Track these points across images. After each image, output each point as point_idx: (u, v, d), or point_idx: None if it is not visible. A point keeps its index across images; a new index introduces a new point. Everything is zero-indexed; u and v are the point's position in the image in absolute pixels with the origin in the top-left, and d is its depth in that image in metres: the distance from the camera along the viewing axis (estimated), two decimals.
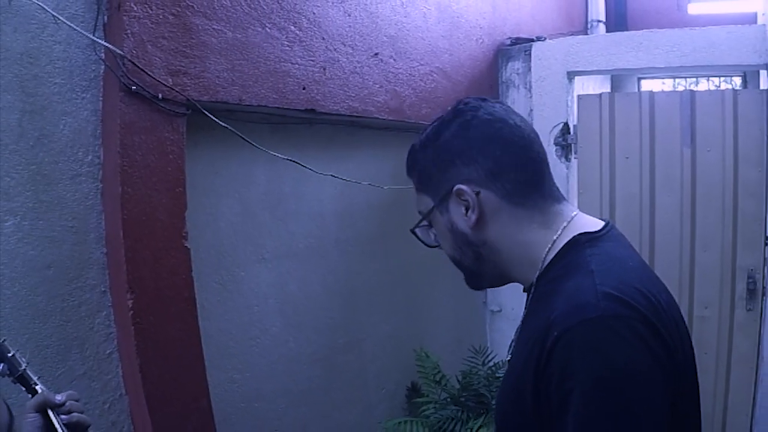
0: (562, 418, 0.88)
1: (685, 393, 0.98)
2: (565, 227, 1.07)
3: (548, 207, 1.09)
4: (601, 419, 0.85)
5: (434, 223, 1.17)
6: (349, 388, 3.29)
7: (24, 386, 1.22)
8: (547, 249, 1.06)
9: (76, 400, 1.23)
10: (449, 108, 1.13)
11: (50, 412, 1.17)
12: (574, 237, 1.05)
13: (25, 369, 1.22)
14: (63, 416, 1.18)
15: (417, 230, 1.21)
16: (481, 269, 1.15)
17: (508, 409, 1.05)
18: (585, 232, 1.06)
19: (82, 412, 1.22)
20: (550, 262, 1.05)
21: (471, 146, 1.08)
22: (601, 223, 1.10)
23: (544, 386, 0.92)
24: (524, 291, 1.12)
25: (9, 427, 1.17)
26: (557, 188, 1.12)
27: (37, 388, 1.21)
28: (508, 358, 1.14)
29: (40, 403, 1.17)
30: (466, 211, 1.08)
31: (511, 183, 1.07)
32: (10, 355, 1.20)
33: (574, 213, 1.10)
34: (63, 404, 1.19)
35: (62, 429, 1.16)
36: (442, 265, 1.23)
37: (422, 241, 1.22)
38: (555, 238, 1.06)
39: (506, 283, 1.17)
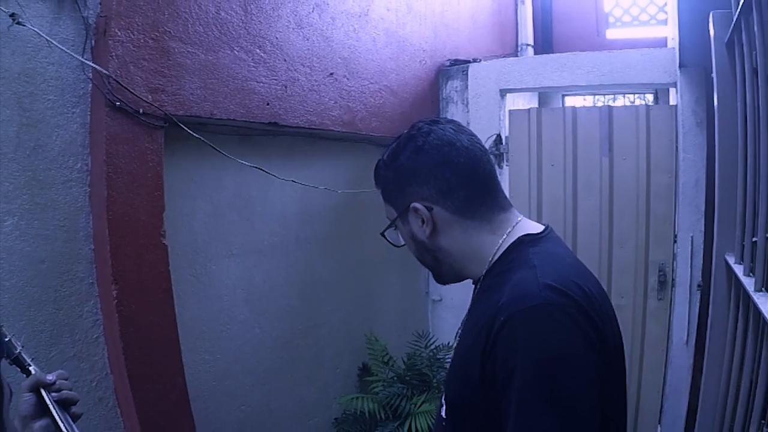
0: (506, 392, 0.90)
1: (614, 373, 1.00)
2: (510, 231, 1.10)
3: (495, 216, 1.11)
4: (541, 394, 0.87)
5: (400, 230, 1.18)
6: (308, 369, 3.31)
7: (19, 367, 1.22)
8: (494, 250, 1.09)
9: (65, 379, 1.22)
10: (405, 131, 1.15)
11: (42, 391, 1.17)
12: (518, 238, 1.08)
13: (20, 352, 1.22)
14: (54, 394, 1.18)
15: (386, 233, 1.22)
16: (440, 269, 1.17)
17: (457, 386, 1.07)
18: (528, 234, 1.09)
19: (70, 389, 1.22)
20: (498, 259, 1.08)
21: (423, 169, 1.09)
22: (542, 227, 1.13)
23: (490, 364, 0.94)
24: (473, 284, 1.15)
25: (10, 399, 1.16)
26: (504, 197, 1.14)
27: (30, 369, 1.21)
28: (456, 343, 1.16)
29: (33, 383, 1.17)
30: (422, 224, 1.11)
31: (460, 200, 1.09)
32: (6, 339, 1.20)
33: (519, 219, 1.13)
34: (54, 383, 1.19)
35: (53, 405, 1.16)
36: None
37: (391, 243, 1.23)
38: (501, 240, 1.09)
39: (463, 280, 1.18)
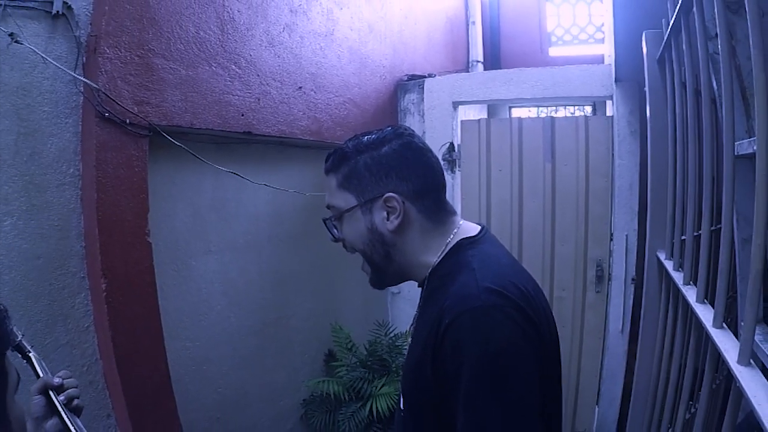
0: (455, 386, 0.92)
1: (549, 361, 1.02)
2: (455, 232, 1.11)
3: (447, 219, 1.12)
4: (486, 384, 0.89)
5: (351, 220, 1.12)
6: (279, 355, 3.34)
7: (20, 353, 1.22)
8: (440, 251, 1.09)
9: (71, 379, 1.22)
10: (388, 128, 1.13)
11: (51, 393, 1.17)
12: (458, 241, 1.09)
13: (20, 340, 1.20)
14: (62, 397, 1.17)
15: (328, 222, 1.17)
16: (387, 267, 1.14)
17: (412, 383, 1.07)
18: (467, 237, 1.09)
19: (76, 387, 1.21)
20: (440, 261, 1.08)
21: (408, 165, 1.08)
22: (478, 228, 1.13)
23: (439, 362, 0.96)
24: (419, 286, 1.14)
25: (17, 385, 1.20)
26: (449, 202, 1.16)
27: (30, 355, 1.22)
28: (409, 341, 1.16)
29: (41, 386, 1.17)
30: (388, 216, 1.08)
31: (430, 201, 1.10)
32: (10, 328, 1.21)
33: (461, 222, 1.13)
34: (60, 386, 1.18)
35: (60, 406, 1.16)
36: (353, 257, 1.20)
37: (330, 232, 1.17)
38: (447, 241, 1.10)
39: (403, 282, 1.17)
